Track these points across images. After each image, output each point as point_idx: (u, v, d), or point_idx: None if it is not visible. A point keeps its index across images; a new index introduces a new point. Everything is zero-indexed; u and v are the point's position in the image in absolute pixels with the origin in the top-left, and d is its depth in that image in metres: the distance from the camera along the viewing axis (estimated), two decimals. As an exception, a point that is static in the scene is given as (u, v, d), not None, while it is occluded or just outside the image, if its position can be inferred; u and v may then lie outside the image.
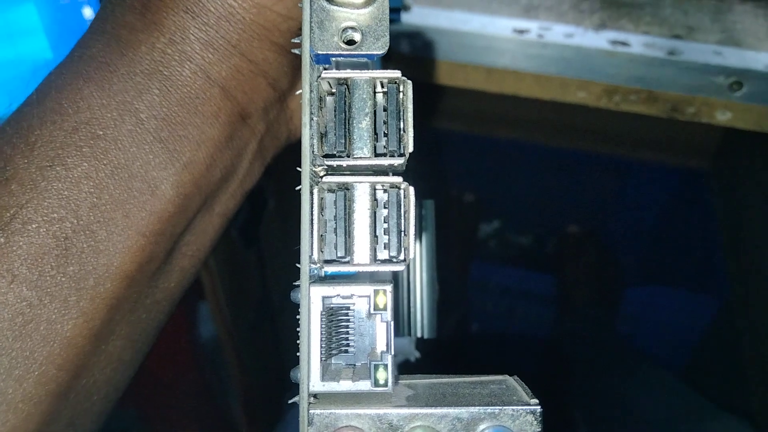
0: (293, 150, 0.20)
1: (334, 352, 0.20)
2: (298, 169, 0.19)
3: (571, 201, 0.84)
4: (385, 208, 0.19)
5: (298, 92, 0.21)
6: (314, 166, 0.19)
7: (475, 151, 0.82)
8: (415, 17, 0.49)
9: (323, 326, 0.19)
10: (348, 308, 0.20)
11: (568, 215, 0.84)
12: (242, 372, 0.63)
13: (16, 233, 0.20)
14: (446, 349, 0.74)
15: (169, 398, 0.59)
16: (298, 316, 0.19)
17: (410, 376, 0.22)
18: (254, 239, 0.62)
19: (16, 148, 0.21)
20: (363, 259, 0.19)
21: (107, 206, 0.21)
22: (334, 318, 0.20)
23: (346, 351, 0.20)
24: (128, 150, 0.21)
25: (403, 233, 0.19)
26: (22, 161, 0.21)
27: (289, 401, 0.20)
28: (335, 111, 0.19)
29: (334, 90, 0.19)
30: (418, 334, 0.33)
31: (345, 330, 0.20)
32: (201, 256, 0.26)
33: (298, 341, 0.19)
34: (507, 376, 0.22)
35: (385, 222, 0.19)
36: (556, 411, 0.72)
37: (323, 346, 0.19)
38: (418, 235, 0.34)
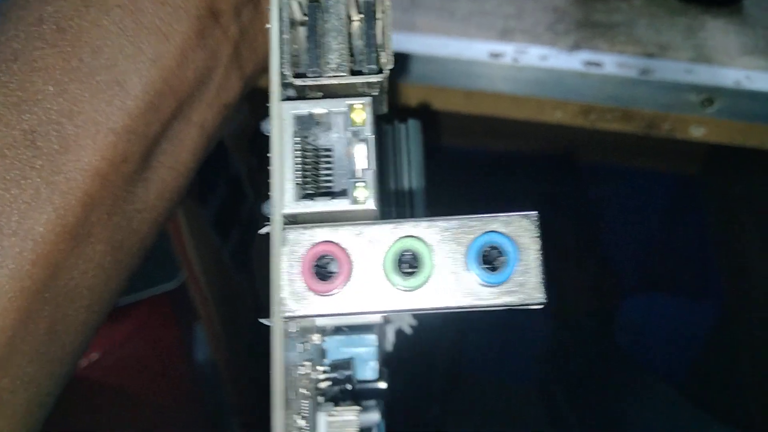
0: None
1: (310, 190, 0.18)
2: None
3: (565, 211, 0.84)
4: (359, 21, 0.18)
5: None
6: None
7: (466, 163, 0.83)
8: (393, 43, 0.50)
9: (299, 162, 0.18)
10: (328, 150, 0.19)
11: (562, 225, 0.84)
12: (240, 394, 0.63)
13: None
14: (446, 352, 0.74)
15: (167, 422, 0.60)
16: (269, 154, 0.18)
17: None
18: (246, 262, 0.63)
19: None
20: (336, 71, 0.18)
21: (74, 99, 0.21)
22: (310, 158, 0.19)
23: (326, 190, 0.19)
24: (93, 42, 0.21)
25: (380, 46, 0.18)
26: None
27: (260, 231, 0.19)
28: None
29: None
30: None
31: (325, 170, 0.19)
32: (181, 170, 0.25)
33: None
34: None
35: (360, 36, 0.18)
36: (552, 422, 0.72)
37: (299, 174, 0.18)
38: (408, 157, 0.32)
